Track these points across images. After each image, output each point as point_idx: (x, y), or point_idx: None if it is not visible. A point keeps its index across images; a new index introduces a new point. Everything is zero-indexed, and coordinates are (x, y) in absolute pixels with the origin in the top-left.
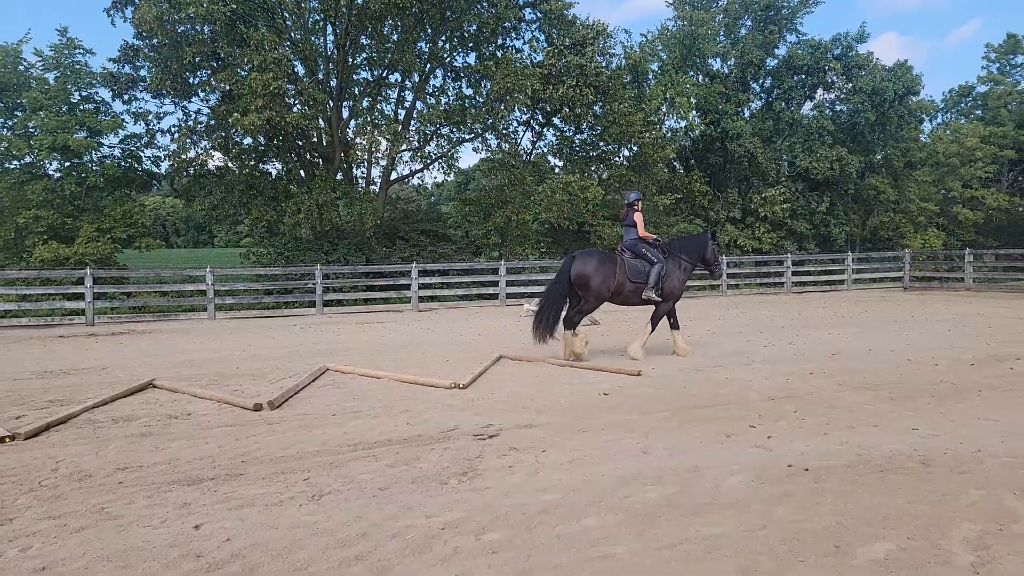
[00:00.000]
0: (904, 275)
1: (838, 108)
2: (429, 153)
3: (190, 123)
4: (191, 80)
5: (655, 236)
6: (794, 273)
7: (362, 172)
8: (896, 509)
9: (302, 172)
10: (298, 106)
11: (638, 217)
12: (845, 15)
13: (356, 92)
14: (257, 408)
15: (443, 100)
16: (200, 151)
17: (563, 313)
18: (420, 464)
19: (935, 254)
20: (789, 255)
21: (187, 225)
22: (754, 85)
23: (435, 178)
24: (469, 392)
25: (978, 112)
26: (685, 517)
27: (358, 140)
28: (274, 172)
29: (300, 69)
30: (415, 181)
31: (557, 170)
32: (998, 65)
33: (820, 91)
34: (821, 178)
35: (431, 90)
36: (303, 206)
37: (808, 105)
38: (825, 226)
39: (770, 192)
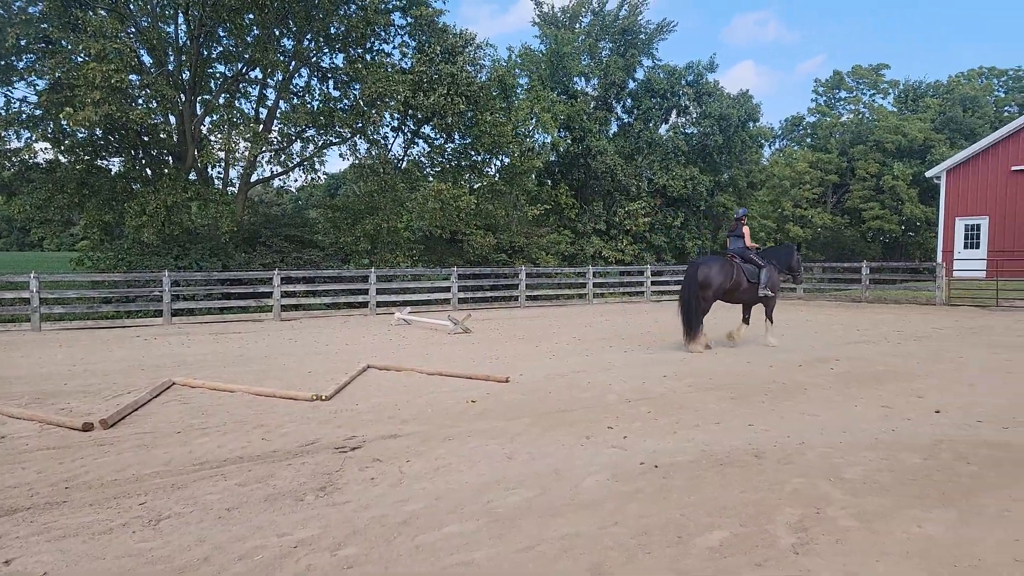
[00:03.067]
0: None
1: (690, 131)
2: (293, 155)
3: (13, 111)
4: (16, 64)
5: (756, 244)
6: (653, 283)
7: (218, 173)
8: (732, 499)
9: (148, 170)
10: (143, 100)
11: (746, 229)
12: (708, 43)
13: (212, 87)
14: (87, 428)
15: (309, 101)
16: (24, 142)
17: (706, 311)
18: (274, 481)
19: None
20: (649, 266)
21: (10, 226)
22: (616, 105)
23: (296, 181)
24: (332, 404)
25: (808, 140)
26: (544, 519)
27: (213, 138)
28: (114, 169)
29: (147, 59)
30: (278, 184)
31: (430, 178)
32: (825, 98)
33: (675, 114)
34: (677, 195)
35: (296, 90)
36: (148, 207)
37: (665, 126)
38: (680, 239)
39: (632, 207)
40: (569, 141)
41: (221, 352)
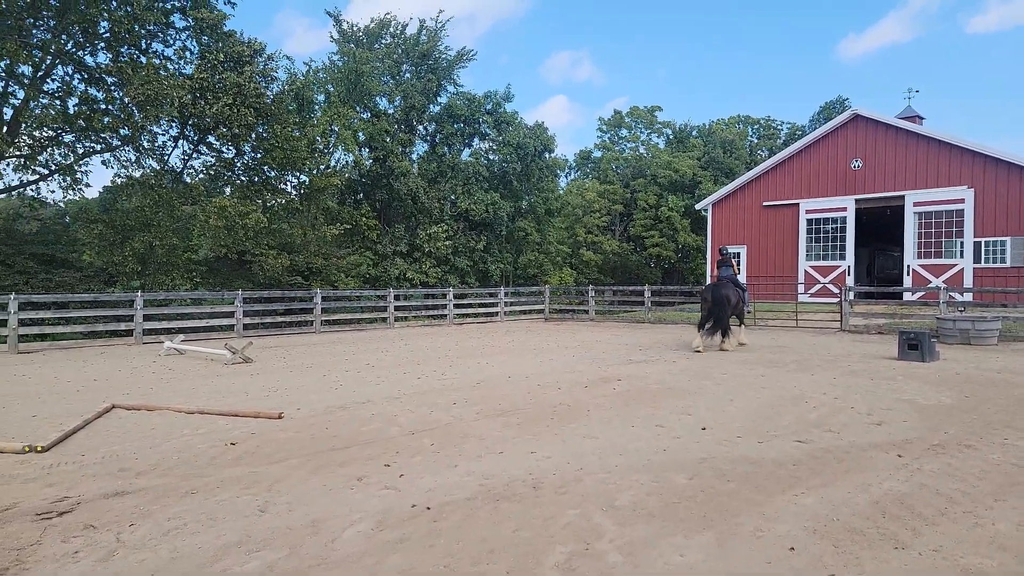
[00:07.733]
0: (545, 307)
1: (491, 157)
2: (46, 163)
3: None
4: None
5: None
6: (456, 305)
7: None
8: (503, 540)
9: None
10: None
11: (734, 261)
12: (524, 76)
13: None
14: None
15: (69, 103)
16: None
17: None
18: None
19: (568, 289)
20: (452, 289)
21: None
22: (420, 128)
23: (53, 192)
24: (50, 456)
25: (596, 172)
26: None
27: None
28: None
29: None
30: (31, 195)
31: (224, 193)
32: (609, 135)
33: (477, 140)
34: (479, 219)
35: (54, 89)
36: None
37: (467, 152)
38: (483, 263)
39: (434, 229)
40: (371, 160)
41: None
